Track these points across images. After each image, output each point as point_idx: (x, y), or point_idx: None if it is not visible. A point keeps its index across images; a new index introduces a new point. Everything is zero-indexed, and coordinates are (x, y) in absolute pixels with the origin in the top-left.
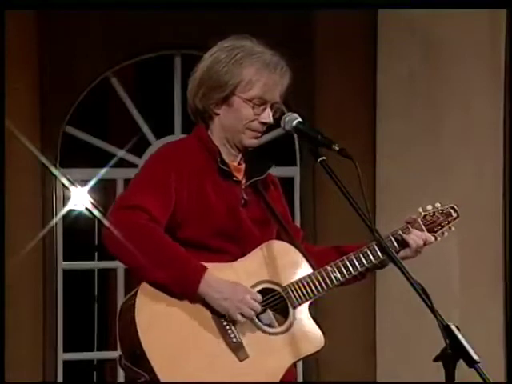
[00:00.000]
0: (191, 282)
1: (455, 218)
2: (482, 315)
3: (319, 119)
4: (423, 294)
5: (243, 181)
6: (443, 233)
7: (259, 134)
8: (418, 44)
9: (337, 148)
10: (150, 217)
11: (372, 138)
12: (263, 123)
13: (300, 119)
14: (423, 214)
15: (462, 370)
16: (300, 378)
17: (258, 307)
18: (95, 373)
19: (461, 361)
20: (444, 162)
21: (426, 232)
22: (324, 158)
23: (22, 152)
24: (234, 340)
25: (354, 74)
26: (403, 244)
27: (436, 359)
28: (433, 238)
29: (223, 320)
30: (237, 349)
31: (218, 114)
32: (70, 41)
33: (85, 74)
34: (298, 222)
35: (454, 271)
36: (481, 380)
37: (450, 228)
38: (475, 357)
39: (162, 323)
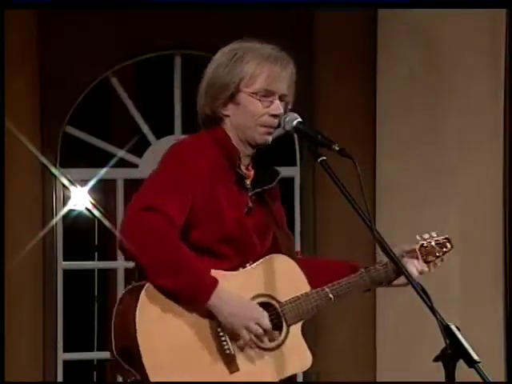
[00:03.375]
0: (203, 293)
1: (449, 250)
2: (482, 315)
3: (319, 119)
4: (423, 293)
5: (250, 187)
6: (436, 264)
7: (272, 130)
8: (418, 44)
9: (337, 148)
10: (168, 219)
11: (372, 137)
12: (274, 116)
13: (300, 119)
14: (420, 242)
15: (462, 370)
16: (300, 379)
17: (268, 324)
18: (95, 373)
19: (461, 361)
20: (444, 162)
21: (421, 262)
22: (324, 157)
23: (22, 152)
24: (228, 352)
25: (354, 74)
26: (398, 273)
27: (436, 359)
28: (427, 269)
29: (220, 330)
30: (229, 361)
31: (227, 116)
32: (70, 41)
33: (85, 73)
34: (298, 222)
35: (454, 271)
36: (481, 380)
37: (442, 260)
38: (475, 357)
39: (161, 328)
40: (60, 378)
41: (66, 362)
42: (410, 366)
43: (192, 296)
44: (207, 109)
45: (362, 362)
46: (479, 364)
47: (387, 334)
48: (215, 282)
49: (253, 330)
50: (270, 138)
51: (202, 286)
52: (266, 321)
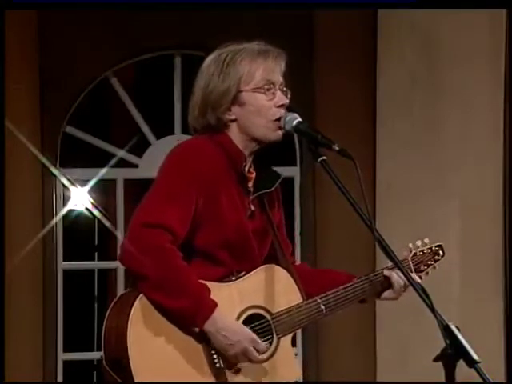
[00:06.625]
0: (199, 317)
1: (441, 257)
2: (482, 315)
3: (319, 119)
4: (423, 293)
5: (251, 190)
6: (427, 272)
7: (281, 124)
8: (418, 44)
9: (337, 148)
10: (170, 236)
11: (372, 138)
12: (281, 106)
13: (300, 119)
14: (413, 251)
15: (462, 370)
16: (300, 378)
17: (257, 358)
18: (95, 373)
19: (461, 361)
20: (444, 161)
21: (414, 274)
22: (324, 157)
23: (22, 152)
24: (217, 365)
25: (354, 73)
26: (386, 286)
27: (436, 359)
28: (418, 280)
29: (211, 345)
30: (218, 374)
31: (234, 120)
32: (70, 41)
33: (85, 73)
34: (297, 222)
35: (454, 271)
36: (481, 380)
37: (434, 267)
38: (475, 357)
39: (152, 341)
40: (60, 378)
41: (65, 362)
42: (410, 365)
43: (188, 319)
44: (211, 118)
45: (362, 362)
46: (479, 364)
47: (387, 334)
48: (213, 306)
49: (241, 362)
50: (281, 134)
51: (198, 311)
52: (255, 355)
